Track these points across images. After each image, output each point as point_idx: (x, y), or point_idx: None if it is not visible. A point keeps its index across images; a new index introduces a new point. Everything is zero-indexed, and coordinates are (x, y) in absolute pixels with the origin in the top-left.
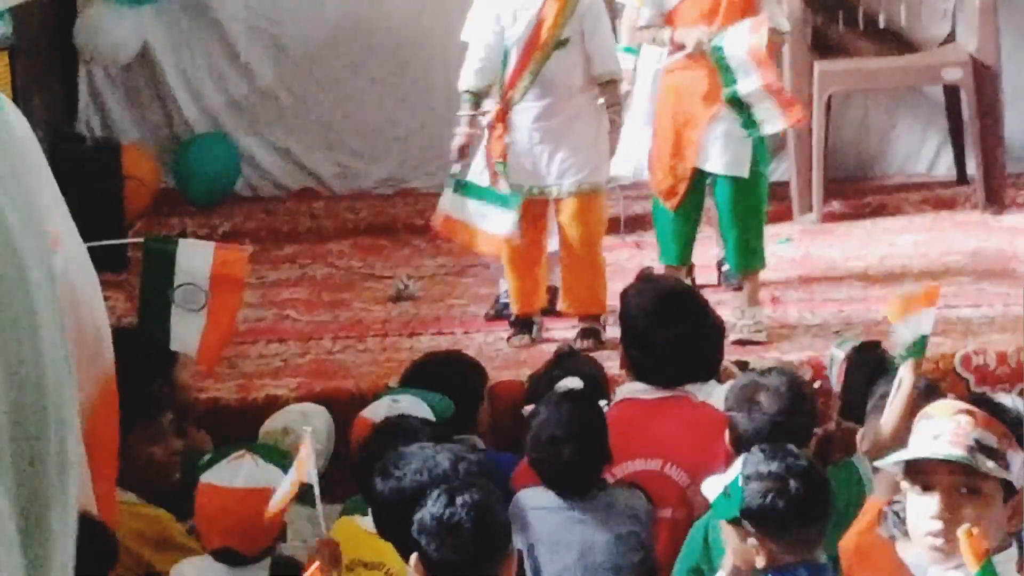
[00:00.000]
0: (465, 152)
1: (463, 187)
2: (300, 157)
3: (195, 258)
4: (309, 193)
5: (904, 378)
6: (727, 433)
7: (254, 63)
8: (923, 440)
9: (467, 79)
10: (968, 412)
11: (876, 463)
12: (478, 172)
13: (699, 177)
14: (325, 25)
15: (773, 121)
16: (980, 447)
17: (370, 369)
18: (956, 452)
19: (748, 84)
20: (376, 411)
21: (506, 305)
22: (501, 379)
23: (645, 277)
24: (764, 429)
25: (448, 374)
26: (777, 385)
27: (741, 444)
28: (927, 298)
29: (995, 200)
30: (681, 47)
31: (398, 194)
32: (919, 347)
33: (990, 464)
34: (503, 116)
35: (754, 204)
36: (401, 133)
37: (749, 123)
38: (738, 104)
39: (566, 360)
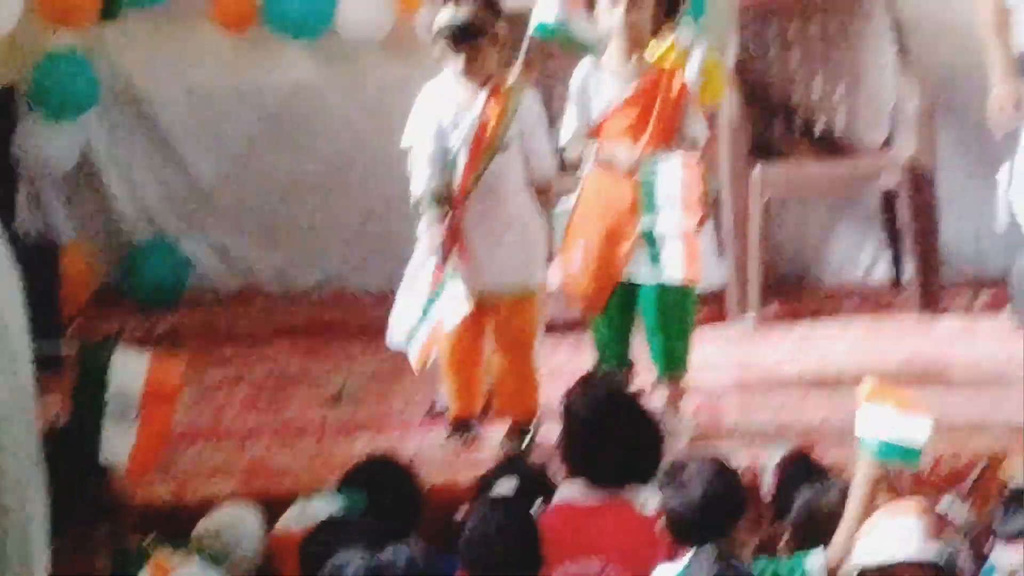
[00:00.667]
0: (447, 250)
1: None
2: (239, 257)
3: (129, 369)
4: (248, 293)
5: (863, 481)
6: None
7: (193, 162)
8: (894, 540)
9: (421, 184)
10: (928, 512)
11: (842, 573)
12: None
13: (630, 284)
14: (265, 124)
15: (675, 269)
16: (947, 546)
17: (307, 471)
18: (935, 551)
19: (668, 221)
20: (290, 521)
21: (443, 410)
22: (439, 482)
23: (587, 378)
24: (695, 504)
25: (383, 478)
26: (702, 463)
27: (674, 524)
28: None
29: (931, 305)
30: (606, 164)
31: (337, 295)
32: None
33: (957, 563)
34: (455, 225)
35: (683, 311)
36: (340, 234)
37: (655, 259)
38: (650, 240)
39: (514, 463)
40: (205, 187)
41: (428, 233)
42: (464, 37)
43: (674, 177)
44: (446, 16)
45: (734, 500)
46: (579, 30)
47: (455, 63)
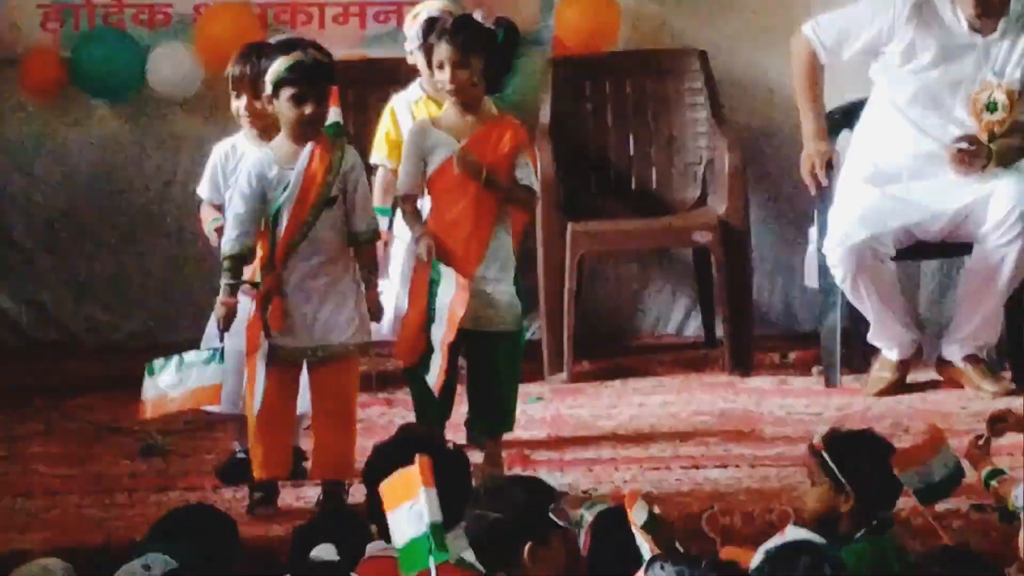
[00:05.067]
0: (229, 323)
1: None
2: (51, 310)
3: None
4: (59, 346)
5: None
6: None
7: (5, 216)
8: None
9: (226, 245)
10: None
11: None
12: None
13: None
14: (78, 180)
15: (433, 374)
16: None
17: (118, 524)
18: None
19: (436, 332)
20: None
21: (237, 462)
22: (252, 534)
23: (400, 431)
24: (482, 529)
25: (198, 528)
26: (497, 484)
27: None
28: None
29: (742, 362)
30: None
31: (149, 348)
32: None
33: None
34: (277, 285)
35: (516, 363)
36: (153, 288)
37: (425, 367)
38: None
39: (328, 517)
40: (17, 240)
41: (218, 303)
42: (317, 80)
43: (450, 289)
44: (292, 59)
45: (530, 523)
46: None
47: (295, 113)
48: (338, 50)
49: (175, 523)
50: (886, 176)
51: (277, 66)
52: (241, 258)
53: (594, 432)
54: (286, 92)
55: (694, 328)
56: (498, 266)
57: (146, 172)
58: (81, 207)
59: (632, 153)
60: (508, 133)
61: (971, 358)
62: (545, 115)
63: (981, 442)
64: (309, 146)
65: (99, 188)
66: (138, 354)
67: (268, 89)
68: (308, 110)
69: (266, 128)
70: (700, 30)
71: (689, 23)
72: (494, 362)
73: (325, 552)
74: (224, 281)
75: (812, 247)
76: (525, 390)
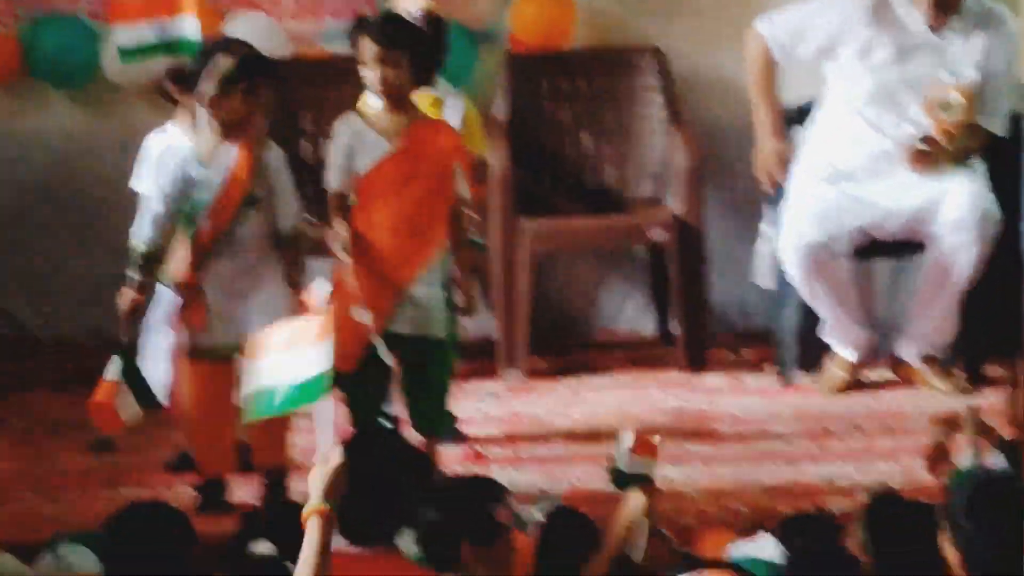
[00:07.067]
0: (131, 318)
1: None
2: (5, 304)
3: None
4: (13, 341)
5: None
6: None
7: None
8: None
9: (140, 243)
10: None
11: None
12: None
13: (389, 340)
14: (33, 176)
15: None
16: None
17: (70, 519)
18: None
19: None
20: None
21: (188, 458)
22: (203, 530)
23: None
24: (427, 528)
25: (152, 525)
26: (444, 483)
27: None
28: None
29: (697, 360)
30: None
31: (103, 344)
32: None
33: None
34: (195, 281)
35: (448, 370)
36: (108, 284)
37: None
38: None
39: (269, 511)
40: None
41: (123, 296)
42: (255, 73)
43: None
44: (235, 59)
45: (474, 522)
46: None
47: (219, 114)
48: (295, 46)
49: (128, 518)
50: (842, 175)
51: (221, 65)
52: (152, 257)
53: (549, 429)
54: (228, 90)
55: (649, 325)
56: (434, 273)
57: (102, 165)
58: (37, 201)
59: (588, 150)
60: (446, 138)
61: (925, 357)
62: (501, 111)
63: (935, 449)
64: (234, 148)
65: (55, 181)
66: (93, 350)
67: (212, 90)
68: (245, 109)
69: (229, 123)
70: (656, 28)
71: (645, 21)
72: (427, 368)
73: (263, 548)
74: (135, 276)
75: (763, 245)
76: (480, 387)
